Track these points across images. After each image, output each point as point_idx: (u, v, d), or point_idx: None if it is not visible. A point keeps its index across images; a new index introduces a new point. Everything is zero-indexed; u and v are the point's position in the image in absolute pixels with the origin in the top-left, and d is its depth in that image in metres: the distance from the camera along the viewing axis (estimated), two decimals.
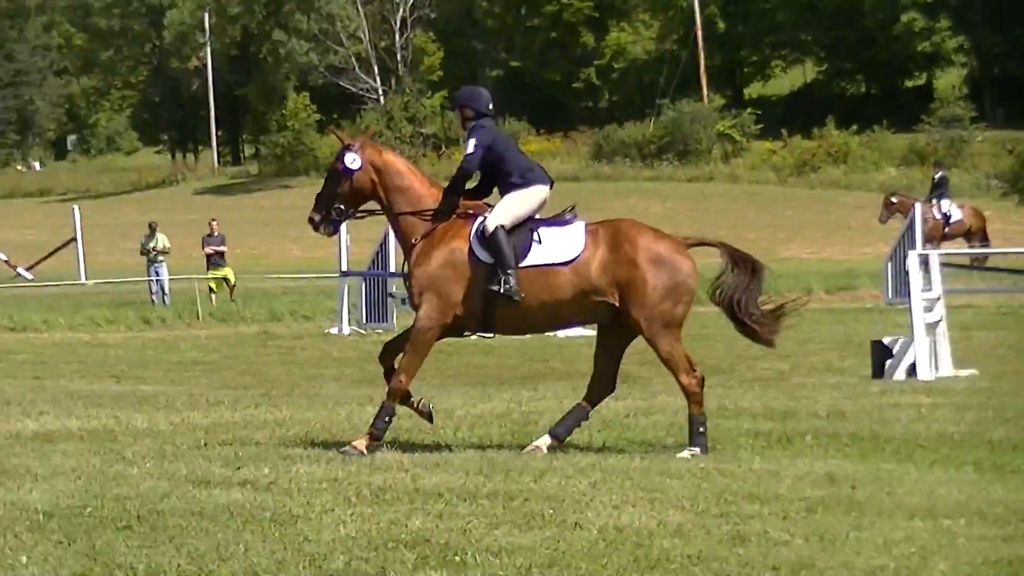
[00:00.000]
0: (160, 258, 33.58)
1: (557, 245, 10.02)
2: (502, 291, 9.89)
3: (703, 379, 10.03)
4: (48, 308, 28.56)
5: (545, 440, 10.01)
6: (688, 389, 9.93)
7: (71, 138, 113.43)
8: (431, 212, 10.14)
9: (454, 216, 10.12)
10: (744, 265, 10.19)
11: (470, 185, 10.34)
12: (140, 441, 10.61)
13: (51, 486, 8.32)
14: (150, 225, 34.66)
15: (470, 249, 10.02)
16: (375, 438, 9.84)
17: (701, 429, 9.92)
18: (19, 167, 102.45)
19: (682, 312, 9.91)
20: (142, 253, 34.27)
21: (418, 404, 10.17)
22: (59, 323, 26.43)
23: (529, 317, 10.09)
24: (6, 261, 43.16)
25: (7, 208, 77.11)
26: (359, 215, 10.49)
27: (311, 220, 10.36)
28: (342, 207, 10.35)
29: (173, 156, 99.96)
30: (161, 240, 33.88)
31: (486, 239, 9.96)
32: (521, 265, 9.94)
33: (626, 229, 10.14)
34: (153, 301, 32.54)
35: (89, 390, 15.87)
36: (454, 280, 9.96)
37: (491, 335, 10.65)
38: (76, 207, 44.52)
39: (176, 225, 48.29)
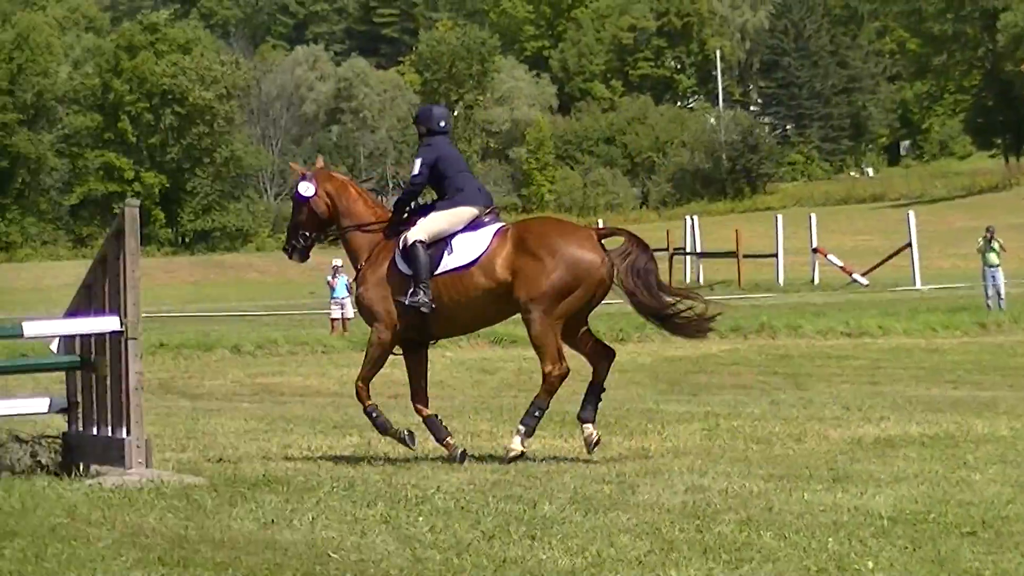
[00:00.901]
0: (996, 262, 33.00)
1: (465, 249, 10.42)
2: (408, 303, 10.36)
3: (566, 374, 10.18)
4: (884, 313, 28.89)
5: (587, 428, 10.25)
6: (548, 376, 10.18)
7: (904, 144, 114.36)
8: (377, 228, 10.69)
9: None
10: (643, 248, 10.35)
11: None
12: (982, 447, 10.47)
13: (894, 491, 8.37)
14: None
15: (392, 262, 10.54)
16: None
17: (537, 413, 10.23)
18: (852, 173, 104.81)
19: (570, 306, 10.15)
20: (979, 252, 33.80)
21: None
22: (895, 328, 26.65)
23: (459, 320, 10.54)
24: (842, 267, 44.25)
25: (841, 214, 78.97)
26: (325, 239, 11.02)
27: (284, 250, 11.02)
28: (306, 233, 10.93)
29: (1007, 160, 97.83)
30: None
31: (405, 252, 10.45)
32: (436, 274, 10.37)
33: (534, 225, 10.73)
34: (989, 306, 32.01)
35: (927, 395, 15.89)
36: (389, 297, 10.48)
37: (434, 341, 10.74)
38: (910, 212, 44.81)
39: (1009, 229, 47.24)
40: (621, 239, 10.52)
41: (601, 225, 10.82)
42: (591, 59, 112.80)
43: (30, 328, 9.67)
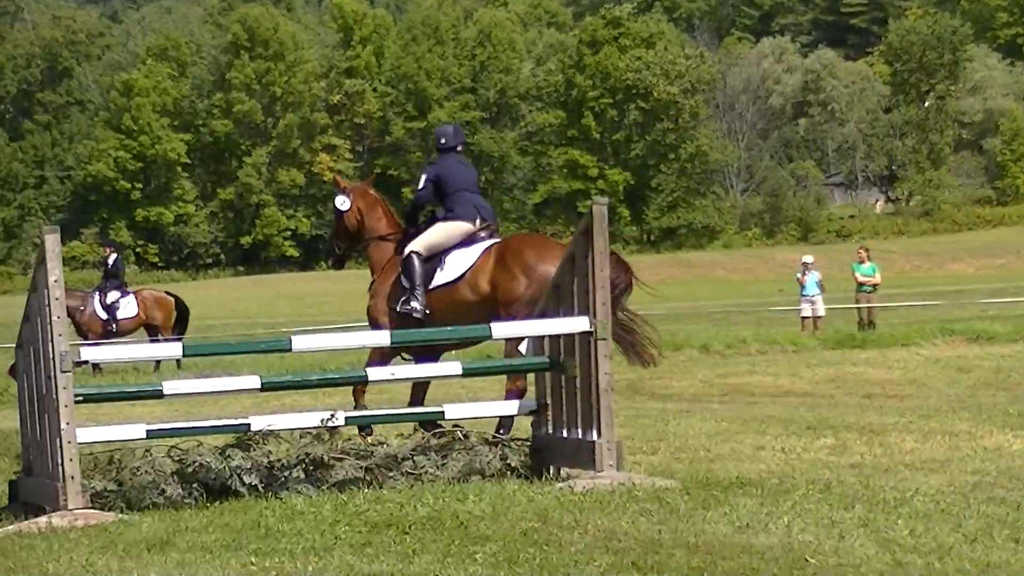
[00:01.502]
0: None
1: (455, 264, 11.47)
2: (400, 309, 11.49)
3: (525, 390, 10.97)
4: None
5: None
6: (508, 391, 11.27)
7: None
8: (391, 240, 12.00)
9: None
10: (621, 268, 10.76)
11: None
12: None
13: None
14: None
15: (398, 275, 11.68)
16: None
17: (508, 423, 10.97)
18: None
19: None
20: None
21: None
22: None
23: None
24: None
25: None
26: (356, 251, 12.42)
27: (323, 257, 12.58)
28: (340, 243, 12.48)
29: None
30: None
31: (403, 263, 11.57)
32: (430, 288, 11.44)
33: (515, 241, 11.68)
34: None
35: None
36: (392, 309, 11.64)
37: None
38: None
39: None
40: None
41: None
42: None
43: (499, 329, 10.03)
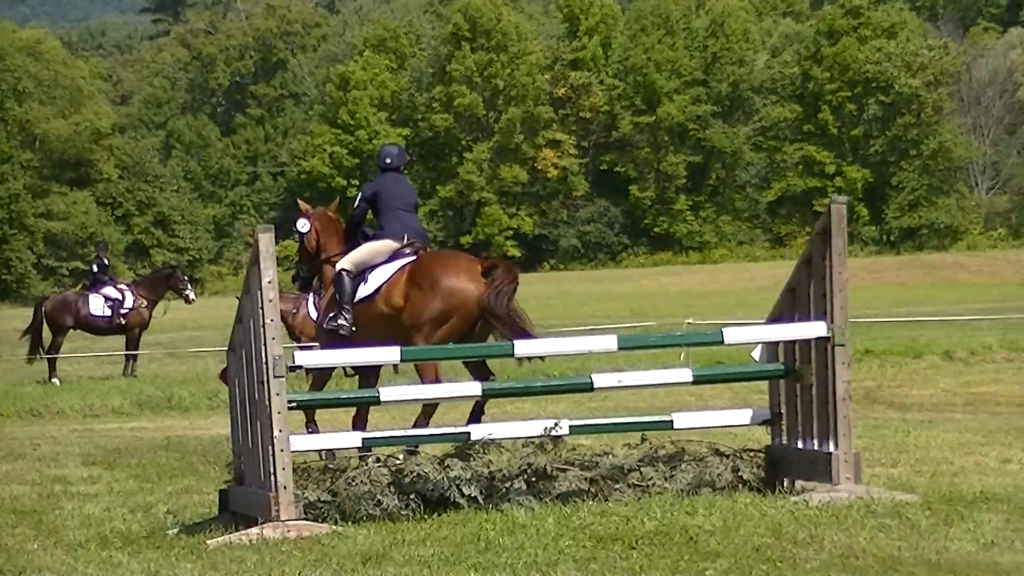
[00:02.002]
0: None
1: (374, 279, 12.40)
2: (326, 326, 12.56)
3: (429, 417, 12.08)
4: None
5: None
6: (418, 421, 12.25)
7: None
8: (335, 260, 12.88)
9: None
10: (508, 274, 11.81)
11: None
12: None
13: None
14: None
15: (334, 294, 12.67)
16: None
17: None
18: None
19: (448, 332, 11.86)
20: None
21: None
22: None
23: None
24: None
25: None
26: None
27: (292, 280, 13.72)
28: (303, 266, 13.51)
29: None
30: None
31: (333, 281, 12.64)
32: (355, 301, 12.39)
33: (427, 258, 12.45)
34: None
35: None
36: None
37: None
38: None
39: None
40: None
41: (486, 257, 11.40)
42: None
43: (731, 335, 9.98)
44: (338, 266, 12.76)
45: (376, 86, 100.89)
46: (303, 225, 13.68)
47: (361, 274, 12.58)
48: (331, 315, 12.57)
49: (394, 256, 12.59)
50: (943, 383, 21.35)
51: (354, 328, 12.41)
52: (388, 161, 13.09)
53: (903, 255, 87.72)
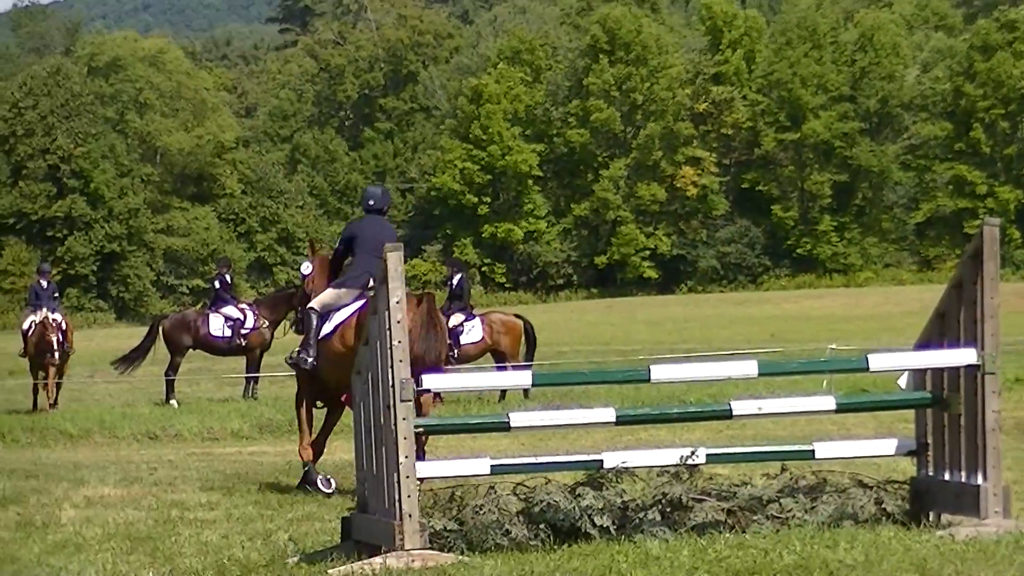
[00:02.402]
0: None
1: (335, 319, 13.78)
2: (288, 361, 14.30)
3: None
4: None
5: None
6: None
7: None
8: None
9: None
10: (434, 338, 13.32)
11: None
12: None
13: None
14: None
15: None
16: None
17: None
18: None
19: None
20: None
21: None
22: None
23: (331, 381, 13.90)
24: None
25: None
26: None
27: (291, 324, 14.31)
28: (301, 308, 14.69)
29: None
30: None
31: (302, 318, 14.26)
32: (319, 339, 13.88)
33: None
34: None
35: None
36: None
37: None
38: None
39: None
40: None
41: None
42: None
43: (876, 361, 9.93)
44: (308, 306, 14.28)
45: (510, 100, 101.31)
46: (306, 267, 15.26)
47: (327, 313, 13.97)
48: (297, 349, 14.08)
49: (358, 298, 13.83)
50: None
51: (315, 363, 13.94)
52: (371, 203, 14.21)
53: None
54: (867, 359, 9.90)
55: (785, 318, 64.02)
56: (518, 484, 9.72)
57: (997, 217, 9.67)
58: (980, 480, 9.13)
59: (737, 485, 9.80)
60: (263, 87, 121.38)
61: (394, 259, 9.13)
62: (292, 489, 14.39)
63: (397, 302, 9.07)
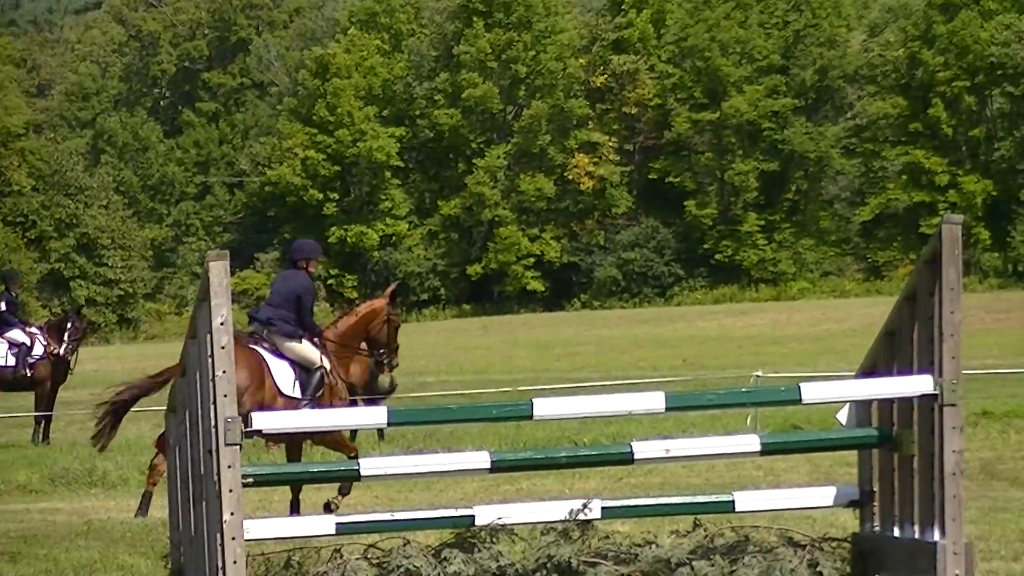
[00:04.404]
0: None
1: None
2: None
3: None
4: None
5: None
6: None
7: None
8: None
9: None
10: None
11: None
12: None
13: None
14: None
15: None
16: None
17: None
18: None
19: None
20: None
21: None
22: None
23: None
24: None
25: None
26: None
27: None
28: None
29: None
30: None
31: None
32: None
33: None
34: None
35: None
36: None
37: None
38: None
39: None
40: None
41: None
42: None
43: (811, 391, 9.96)
44: None
45: (363, 73, 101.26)
46: None
47: None
48: None
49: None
50: None
51: None
52: (296, 257, 17.50)
53: None
54: (800, 389, 9.94)
55: (701, 339, 64.49)
56: (370, 546, 9.68)
57: (960, 214, 9.74)
58: (937, 536, 9.18)
59: (640, 545, 9.82)
60: (59, 60, 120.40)
61: (218, 270, 9.02)
62: (92, 554, 14.21)
63: (221, 323, 8.94)
